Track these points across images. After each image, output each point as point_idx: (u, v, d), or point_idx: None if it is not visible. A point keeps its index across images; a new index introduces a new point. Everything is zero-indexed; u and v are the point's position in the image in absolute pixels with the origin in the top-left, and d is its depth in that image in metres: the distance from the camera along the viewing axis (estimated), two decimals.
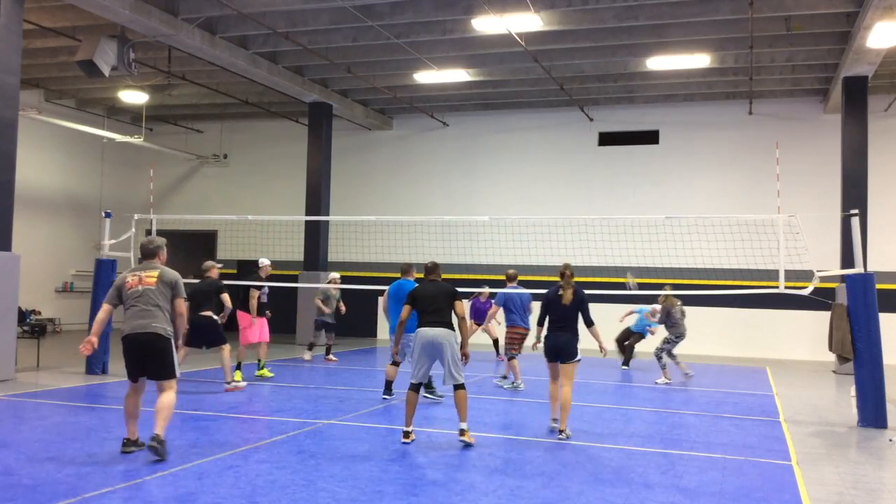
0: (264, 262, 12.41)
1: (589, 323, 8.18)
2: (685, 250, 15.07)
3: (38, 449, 6.87)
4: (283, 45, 15.63)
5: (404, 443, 7.43)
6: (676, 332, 12.75)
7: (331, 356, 15.21)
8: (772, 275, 10.57)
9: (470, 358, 7.63)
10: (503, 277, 12.17)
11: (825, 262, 13.02)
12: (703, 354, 17.64)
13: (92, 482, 5.78)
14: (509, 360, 11.57)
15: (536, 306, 9.14)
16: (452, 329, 7.58)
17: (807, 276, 10.02)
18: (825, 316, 10.54)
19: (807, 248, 10.21)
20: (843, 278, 11.73)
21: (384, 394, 10.24)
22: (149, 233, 13.87)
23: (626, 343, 14.75)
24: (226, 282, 19.56)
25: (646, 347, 14.98)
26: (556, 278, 12.66)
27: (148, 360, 6.62)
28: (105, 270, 12.65)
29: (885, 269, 16.17)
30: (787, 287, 10.18)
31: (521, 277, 16.67)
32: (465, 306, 9.55)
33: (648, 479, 6.41)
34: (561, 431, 7.86)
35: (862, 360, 9.26)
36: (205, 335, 10.71)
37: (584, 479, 6.33)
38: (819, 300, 10.78)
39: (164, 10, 13.60)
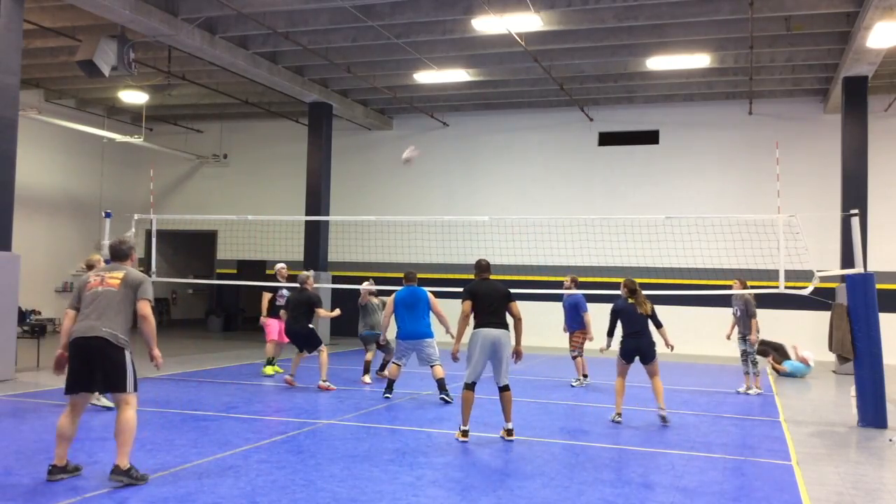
0: (279, 266, 13.27)
1: (658, 325, 9.26)
2: (685, 250, 15.07)
3: (38, 449, 6.87)
4: (283, 45, 15.63)
5: (462, 441, 7.60)
6: (757, 325, 11.89)
7: (385, 372, 12.05)
8: (772, 275, 10.58)
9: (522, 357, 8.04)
10: (525, 278, 12.18)
11: (825, 262, 13.03)
12: (703, 354, 17.64)
13: (92, 482, 5.78)
14: (576, 358, 12.39)
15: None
16: (508, 330, 7.82)
17: (807, 276, 10.03)
18: (825, 316, 10.53)
19: (807, 248, 10.22)
20: (843, 278, 11.72)
21: (385, 393, 10.30)
22: (149, 233, 13.88)
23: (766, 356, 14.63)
24: (227, 282, 19.59)
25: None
26: (562, 278, 12.77)
27: (96, 368, 5.77)
28: None
29: (885, 269, 16.16)
30: (787, 287, 10.18)
31: (521, 277, 16.70)
32: (440, 303, 9.84)
33: (648, 479, 6.41)
34: (663, 418, 8.93)
35: (862, 360, 9.26)
36: (304, 341, 11.26)
37: (584, 479, 6.33)
38: (819, 300, 10.78)
39: (164, 10, 13.60)
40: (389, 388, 10.32)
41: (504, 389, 7.80)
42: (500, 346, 7.70)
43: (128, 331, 5.92)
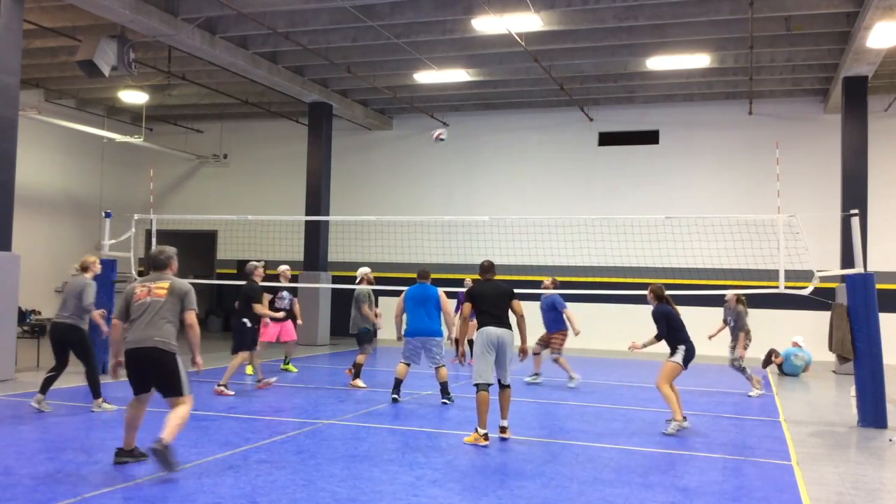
0: (282, 267, 13.08)
1: None
2: (685, 250, 15.05)
3: (38, 449, 6.88)
4: (283, 45, 15.62)
5: (483, 445, 7.46)
6: (749, 335, 11.89)
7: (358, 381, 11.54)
8: (772, 275, 10.57)
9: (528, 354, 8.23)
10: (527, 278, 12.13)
11: (825, 262, 13.02)
12: (703, 354, 17.58)
13: (92, 482, 5.79)
14: (557, 360, 12.19)
15: None
16: (511, 329, 7.88)
17: (807, 276, 10.02)
18: (825, 316, 10.53)
19: (807, 248, 10.21)
20: (843, 278, 11.72)
21: (393, 394, 10.04)
22: (149, 233, 13.88)
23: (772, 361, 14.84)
24: (227, 282, 19.54)
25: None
26: (563, 278, 12.75)
27: (151, 375, 6.22)
28: (105, 270, 12.60)
29: (885, 269, 16.15)
30: (787, 287, 10.18)
31: (521, 277, 16.68)
32: (450, 304, 9.76)
33: (648, 479, 6.41)
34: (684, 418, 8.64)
35: (862, 360, 9.26)
36: (234, 339, 10.96)
37: (584, 479, 6.33)
38: (819, 300, 10.78)
39: (164, 10, 13.60)
40: (397, 389, 10.05)
41: (504, 387, 7.85)
42: (503, 343, 7.74)
43: (176, 337, 6.28)
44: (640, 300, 16.12)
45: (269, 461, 6.63)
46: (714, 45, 15.23)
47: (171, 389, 6.22)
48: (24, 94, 15.63)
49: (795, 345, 14.85)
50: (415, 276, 10.46)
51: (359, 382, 11.35)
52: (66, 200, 21.40)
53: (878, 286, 9.50)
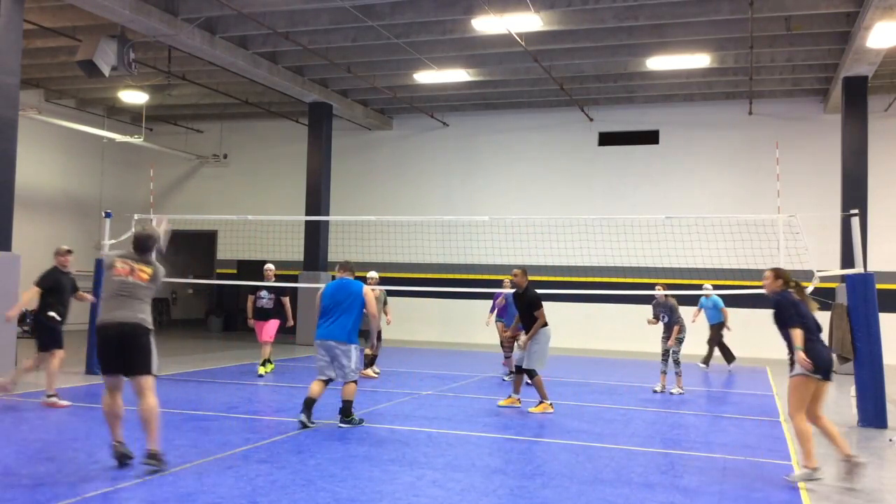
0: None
1: (820, 329, 7.18)
2: (685, 250, 15.07)
3: (38, 449, 6.87)
4: (283, 45, 15.63)
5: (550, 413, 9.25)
6: (684, 330, 11.83)
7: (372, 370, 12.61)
8: None
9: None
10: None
11: (825, 262, 13.02)
12: (702, 354, 17.62)
13: (92, 482, 5.78)
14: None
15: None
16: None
17: (807, 276, 10.01)
18: (825, 316, 10.51)
19: (807, 248, 10.22)
20: (843, 278, 11.73)
21: (300, 415, 8.12)
22: None
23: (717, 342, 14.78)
24: (227, 282, 19.47)
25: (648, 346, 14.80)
26: (562, 279, 12.71)
27: (125, 351, 6.15)
28: (104, 270, 12.62)
29: (885, 269, 16.15)
30: None
31: None
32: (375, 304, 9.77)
33: (648, 479, 6.41)
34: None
35: (862, 360, 9.27)
36: (45, 337, 9.34)
37: (584, 479, 6.33)
38: (819, 300, 10.77)
39: (164, 10, 13.61)
40: (307, 410, 8.08)
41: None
42: None
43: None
44: (640, 300, 16.18)
45: (269, 461, 6.63)
46: (714, 45, 15.24)
47: (140, 366, 6.19)
48: (24, 94, 15.63)
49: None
50: (412, 276, 10.33)
51: (369, 372, 12.03)
52: (66, 200, 21.39)
53: (878, 286, 9.52)
